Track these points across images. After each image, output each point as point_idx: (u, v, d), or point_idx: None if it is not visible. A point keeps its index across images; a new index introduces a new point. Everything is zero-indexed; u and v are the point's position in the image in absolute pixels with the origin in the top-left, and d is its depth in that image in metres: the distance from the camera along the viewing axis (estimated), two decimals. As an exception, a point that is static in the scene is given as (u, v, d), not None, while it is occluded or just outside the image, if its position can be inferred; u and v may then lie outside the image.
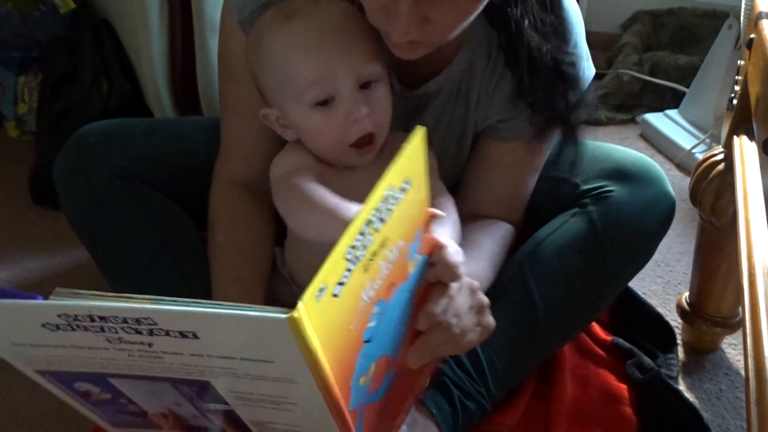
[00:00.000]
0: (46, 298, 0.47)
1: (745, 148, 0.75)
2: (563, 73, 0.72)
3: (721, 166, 0.85)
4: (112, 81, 1.30)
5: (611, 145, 0.89)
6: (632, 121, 1.72)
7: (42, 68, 1.44)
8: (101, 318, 0.44)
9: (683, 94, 1.66)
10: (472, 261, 0.76)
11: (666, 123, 1.61)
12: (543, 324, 0.79)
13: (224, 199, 0.80)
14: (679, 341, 0.99)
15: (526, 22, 0.69)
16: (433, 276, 0.59)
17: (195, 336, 0.43)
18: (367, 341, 0.49)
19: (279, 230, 0.81)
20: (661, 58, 1.78)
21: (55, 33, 1.43)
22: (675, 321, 1.02)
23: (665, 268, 1.16)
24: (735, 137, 0.80)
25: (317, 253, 0.72)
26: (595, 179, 0.83)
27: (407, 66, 0.77)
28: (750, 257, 0.54)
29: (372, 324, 0.49)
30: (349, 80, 0.65)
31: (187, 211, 0.84)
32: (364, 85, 0.66)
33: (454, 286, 0.61)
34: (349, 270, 0.43)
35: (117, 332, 0.45)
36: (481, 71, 0.76)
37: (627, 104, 1.76)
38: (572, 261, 0.80)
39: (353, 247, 0.43)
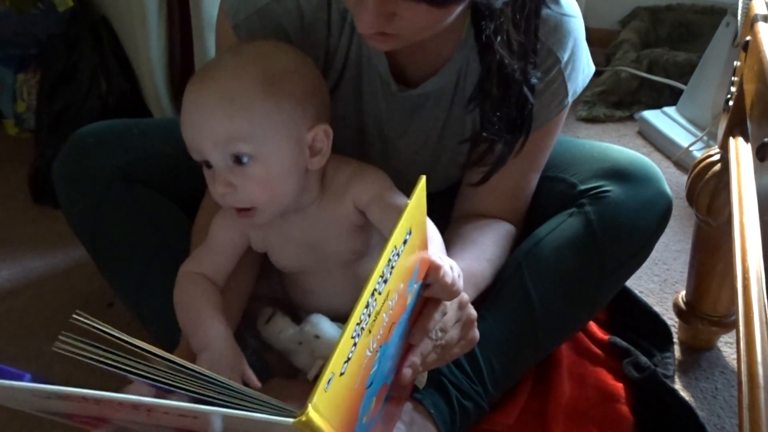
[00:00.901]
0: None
1: (741, 150, 0.75)
2: (530, 89, 0.72)
3: (717, 167, 0.85)
4: (111, 79, 1.30)
5: (608, 145, 0.89)
6: (630, 118, 1.72)
7: (41, 67, 1.44)
8: (96, 400, 0.43)
9: (681, 91, 1.66)
10: (472, 260, 0.76)
11: (663, 120, 1.61)
12: (540, 323, 0.80)
13: (204, 210, 0.79)
14: (675, 340, 1.00)
15: (498, 38, 0.69)
16: (431, 295, 0.60)
17: (195, 417, 0.43)
18: (369, 386, 0.49)
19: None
20: (659, 55, 1.78)
21: (54, 31, 1.43)
22: (672, 319, 1.02)
23: (662, 266, 1.17)
24: (731, 138, 0.80)
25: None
26: (592, 179, 0.83)
27: (404, 66, 0.77)
28: (744, 261, 0.54)
29: (374, 369, 0.49)
30: (215, 154, 0.64)
31: (187, 211, 0.84)
32: (240, 160, 0.64)
33: (447, 302, 0.62)
34: (354, 345, 0.43)
35: (114, 407, 0.44)
36: (478, 71, 0.77)
37: (625, 101, 1.76)
38: (569, 261, 0.80)
39: (358, 323, 0.43)
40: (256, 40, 0.71)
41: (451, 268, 0.59)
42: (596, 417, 0.85)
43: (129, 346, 0.46)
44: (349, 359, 0.43)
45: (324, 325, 0.72)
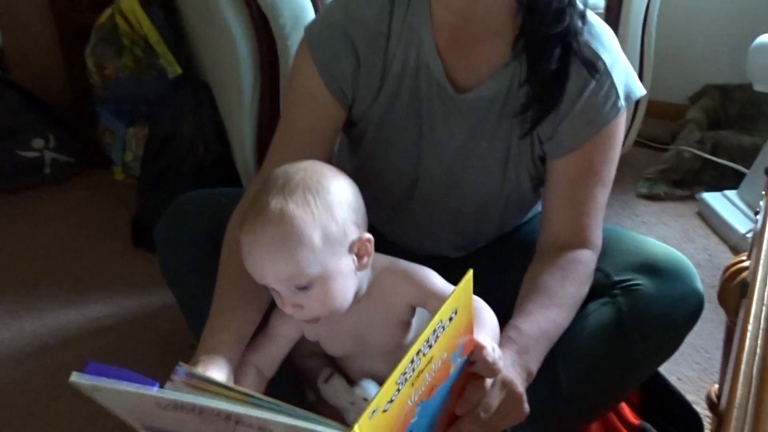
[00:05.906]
0: (161, 383, 0.59)
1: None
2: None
3: (746, 273, 0.89)
4: (208, 143, 1.46)
5: (646, 238, 0.93)
6: (691, 197, 1.74)
7: (150, 123, 1.63)
8: (201, 409, 0.56)
9: (744, 174, 1.67)
10: (546, 310, 0.82)
11: (723, 204, 1.62)
12: (566, 404, 0.85)
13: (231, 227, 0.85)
14: (707, 431, 1.02)
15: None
16: (474, 370, 0.68)
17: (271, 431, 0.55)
18: None
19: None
20: (724, 138, 1.80)
21: (162, 93, 1.62)
22: (706, 409, 1.04)
23: (704, 354, 1.18)
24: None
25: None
26: (625, 271, 0.88)
27: (458, 71, 0.85)
28: None
29: (413, 420, 0.58)
30: (279, 286, 0.72)
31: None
32: (302, 287, 0.72)
33: (488, 381, 0.70)
34: (398, 390, 0.53)
35: (210, 419, 0.56)
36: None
37: (687, 180, 1.78)
38: (599, 347, 0.86)
39: (404, 373, 0.53)
40: (292, 166, 0.75)
41: (493, 350, 0.68)
42: (620, 498, 0.89)
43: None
44: (392, 400, 0.52)
45: (372, 391, 0.81)
